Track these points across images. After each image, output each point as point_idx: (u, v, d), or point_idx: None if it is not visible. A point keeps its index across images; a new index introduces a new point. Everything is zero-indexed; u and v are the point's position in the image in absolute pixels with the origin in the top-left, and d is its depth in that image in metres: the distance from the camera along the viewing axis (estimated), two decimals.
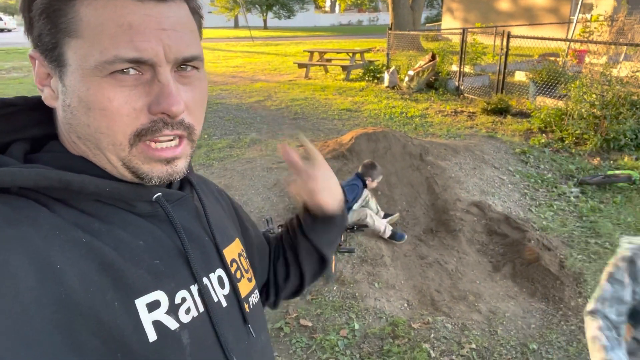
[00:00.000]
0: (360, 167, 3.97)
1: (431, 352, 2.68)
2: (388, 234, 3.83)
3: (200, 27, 0.61)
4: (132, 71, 0.53)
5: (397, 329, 2.85)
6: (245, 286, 0.74)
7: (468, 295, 3.30)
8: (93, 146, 0.57)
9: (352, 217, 3.83)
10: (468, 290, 3.37)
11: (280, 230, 1.03)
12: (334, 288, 3.23)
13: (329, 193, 0.86)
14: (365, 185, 3.87)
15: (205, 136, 6.55)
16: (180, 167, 0.60)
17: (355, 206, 3.89)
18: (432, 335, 2.83)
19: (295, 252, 0.93)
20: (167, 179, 0.59)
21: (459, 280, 3.50)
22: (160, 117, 0.55)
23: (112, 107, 0.53)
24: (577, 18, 10.05)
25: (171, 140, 0.57)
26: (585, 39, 7.77)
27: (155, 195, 0.62)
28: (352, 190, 3.77)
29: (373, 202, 4.06)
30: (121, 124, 0.54)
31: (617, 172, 4.97)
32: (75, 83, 0.53)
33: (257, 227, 0.95)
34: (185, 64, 0.57)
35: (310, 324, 2.89)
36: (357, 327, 2.88)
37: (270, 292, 0.95)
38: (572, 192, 4.80)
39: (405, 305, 3.16)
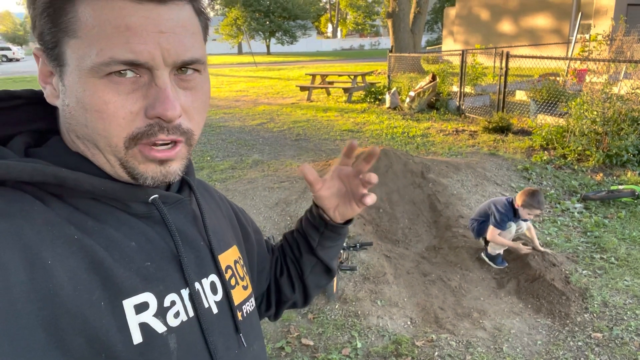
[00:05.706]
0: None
1: None
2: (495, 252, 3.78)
3: (206, 27, 0.60)
4: (129, 74, 0.52)
5: (400, 347, 2.80)
6: (240, 294, 0.72)
7: (472, 312, 3.25)
8: (92, 145, 0.56)
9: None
10: (472, 307, 3.31)
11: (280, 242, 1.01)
12: (336, 306, 3.19)
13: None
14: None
15: (208, 158, 6.59)
16: (174, 169, 0.59)
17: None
18: (437, 353, 2.77)
19: (300, 268, 0.92)
20: (161, 180, 0.58)
21: (462, 297, 3.45)
22: (156, 121, 0.54)
23: (108, 110, 0.53)
24: (576, 38, 10.15)
25: (167, 144, 0.57)
26: (584, 57, 7.82)
27: (152, 197, 0.61)
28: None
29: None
30: (117, 127, 0.53)
31: (620, 187, 4.94)
32: (73, 83, 0.53)
33: (261, 233, 0.94)
34: (186, 67, 0.56)
35: (311, 343, 2.85)
36: (359, 345, 2.83)
37: (271, 303, 0.94)
38: (575, 208, 4.76)
39: (409, 323, 3.11)
